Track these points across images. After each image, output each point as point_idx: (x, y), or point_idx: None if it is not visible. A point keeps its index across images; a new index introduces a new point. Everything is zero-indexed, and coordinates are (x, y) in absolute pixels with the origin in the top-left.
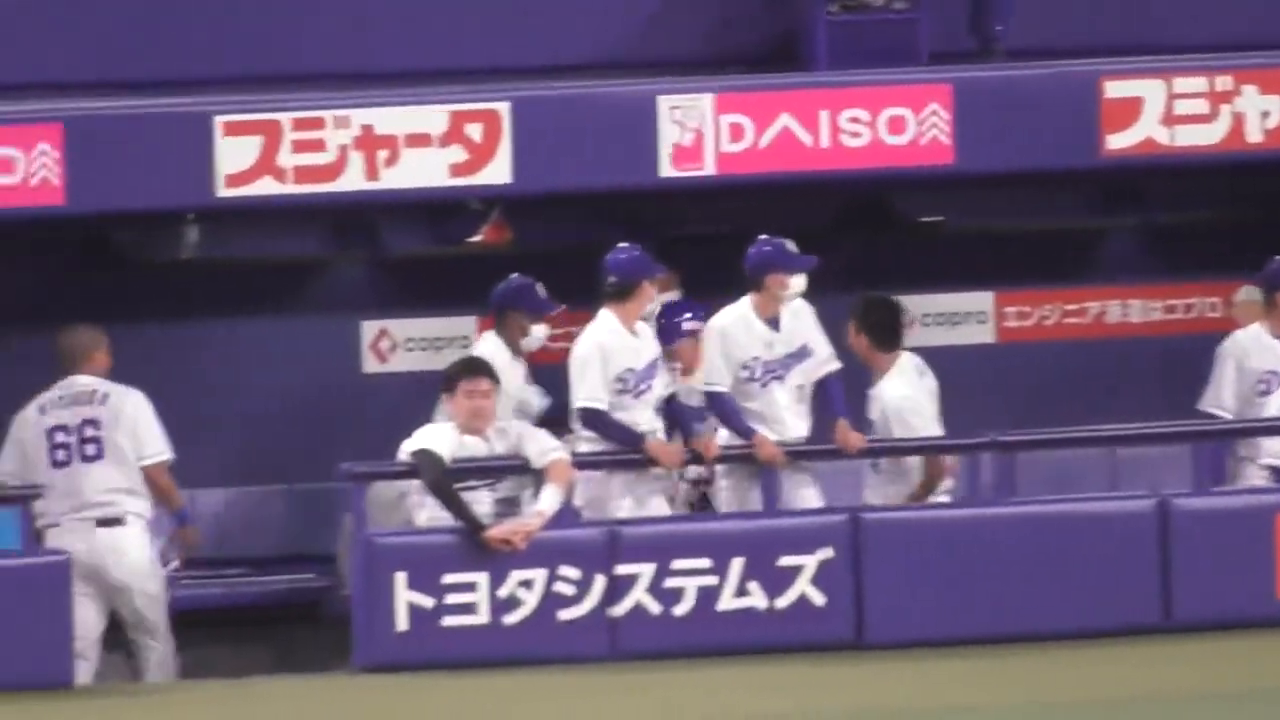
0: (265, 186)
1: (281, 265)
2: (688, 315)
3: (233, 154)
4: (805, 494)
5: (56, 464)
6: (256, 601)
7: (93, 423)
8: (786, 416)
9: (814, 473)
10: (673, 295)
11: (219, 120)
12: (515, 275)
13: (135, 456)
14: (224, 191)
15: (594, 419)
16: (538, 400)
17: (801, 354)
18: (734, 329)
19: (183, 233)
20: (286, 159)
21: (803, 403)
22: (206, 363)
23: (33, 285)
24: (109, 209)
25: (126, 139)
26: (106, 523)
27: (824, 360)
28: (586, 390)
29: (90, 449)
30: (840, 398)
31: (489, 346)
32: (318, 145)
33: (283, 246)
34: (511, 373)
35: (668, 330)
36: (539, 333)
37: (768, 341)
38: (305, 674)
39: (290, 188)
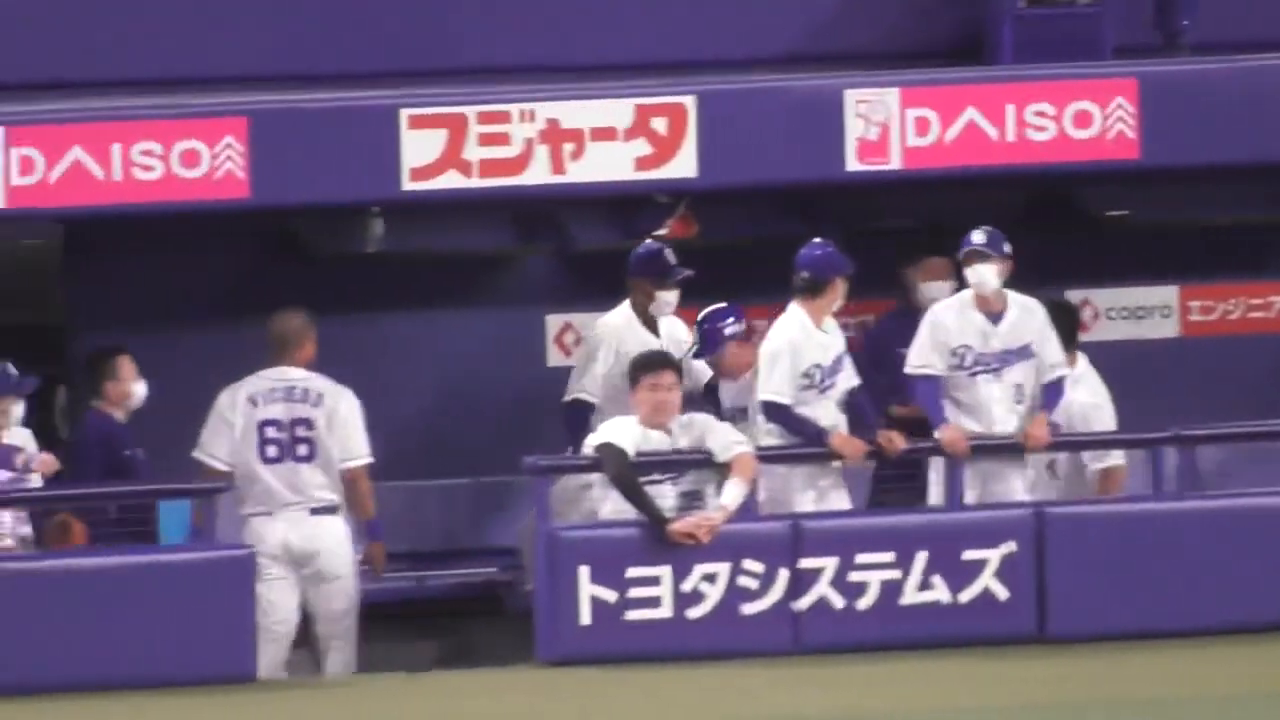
0: (450, 180)
1: (466, 259)
2: (730, 320)
3: (418, 147)
4: (1014, 485)
5: (267, 459)
6: (439, 595)
7: (306, 423)
8: (995, 411)
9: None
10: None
11: (405, 114)
12: (646, 241)
13: (339, 458)
14: (409, 185)
15: (777, 413)
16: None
17: (1023, 353)
18: (946, 317)
19: (368, 226)
20: (472, 152)
21: (1021, 401)
22: (391, 356)
23: (220, 278)
24: (293, 202)
25: (311, 132)
26: (320, 511)
27: (1052, 366)
28: (773, 385)
29: (302, 449)
30: (1054, 403)
31: (619, 315)
32: (503, 139)
33: (467, 240)
34: (641, 339)
35: (710, 337)
36: (668, 299)
37: (984, 334)
38: (487, 668)
39: (475, 181)
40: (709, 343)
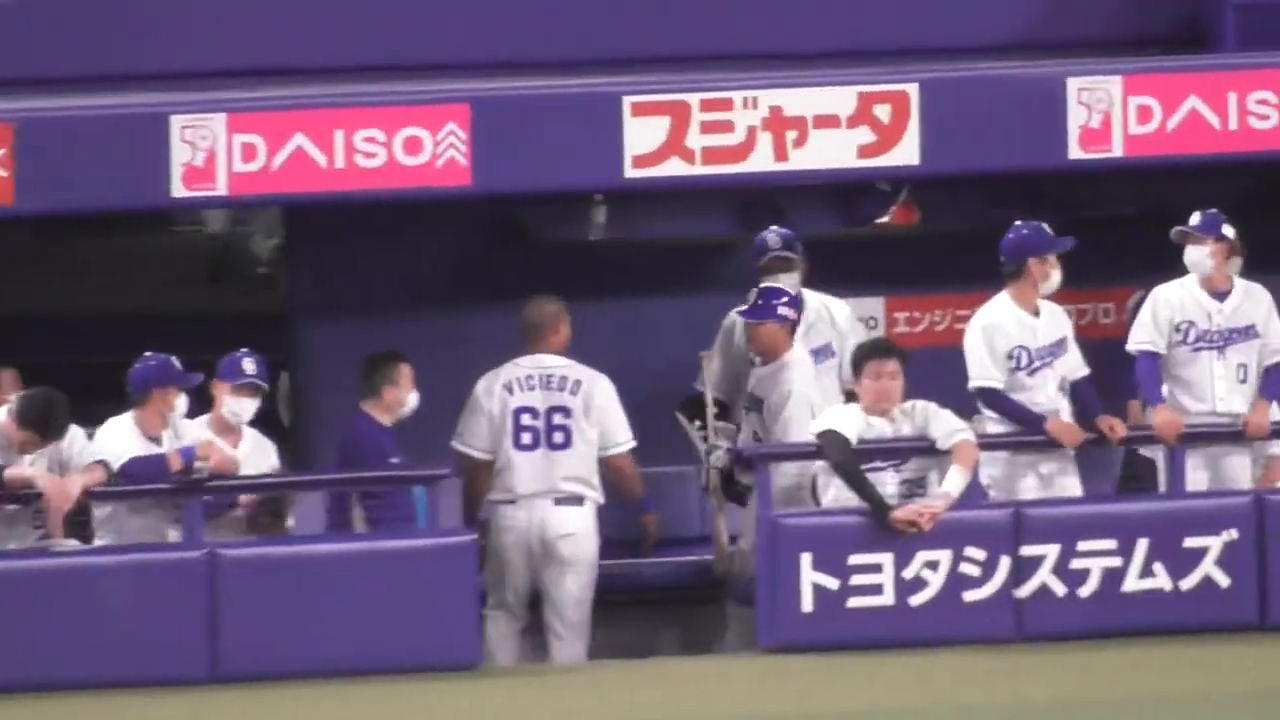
0: (673, 167)
1: (687, 246)
2: (784, 300)
3: (641, 135)
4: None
5: (521, 446)
6: (662, 582)
7: (562, 410)
8: (1218, 387)
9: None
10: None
11: (628, 101)
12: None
13: (600, 446)
14: (632, 172)
15: (990, 398)
16: None
17: (1248, 333)
18: (1170, 294)
19: (590, 213)
20: (695, 140)
21: (1244, 380)
22: (617, 341)
23: (441, 265)
24: (515, 189)
25: (534, 119)
26: (565, 501)
27: (1275, 350)
28: (976, 369)
29: (558, 436)
30: (1276, 388)
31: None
32: (726, 126)
33: (688, 227)
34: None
35: (761, 309)
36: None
37: (1208, 311)
38: (711, 654)
39: (698, 169)
40: (759, 309)
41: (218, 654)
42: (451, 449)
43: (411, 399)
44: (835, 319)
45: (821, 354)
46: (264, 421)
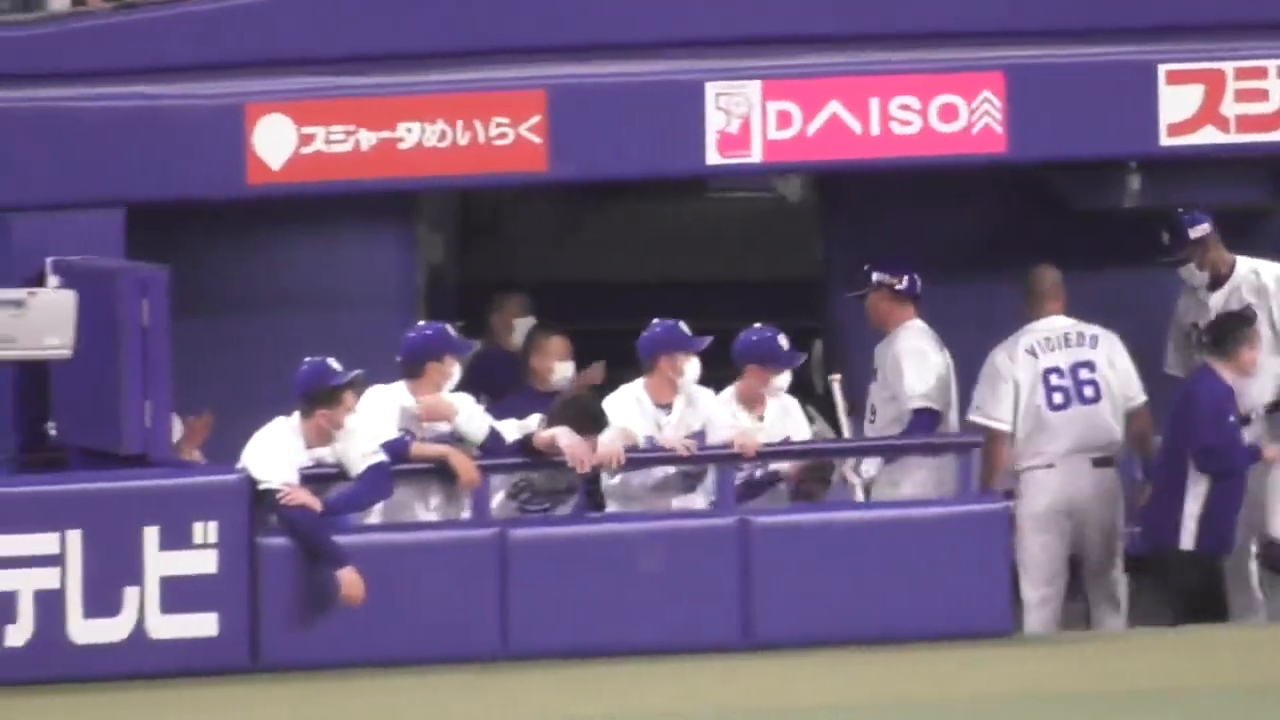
0: (1207, 135)
1: (1220, 214)
2: (885, 270)
3: (1175, 103)
4: None
5: (1054, 407)
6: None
7: (1087, 365)
8: None
9: None
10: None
11: (1162, 69)
12: None
13: (1123, 398)
14: (1167, 140)
15: None
16: None
17: None
18: None
19: (1125, 181)
20: (1229, 108)
21: None
22: (1127, 313)
23: (974, 231)
24: (1050, 156)
25: (1068, 87)
26: (1101, 463)
27: None
28: None
29: (1088, 391)
30: None
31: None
32: (1260, 95)
33: (1222, 195)
34: None
35: (861, 280)
36: None
37: None
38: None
39: (1232, 137)
40: (858, 281)
41: (749, 621)
42: (968, 422)
43: None
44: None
45: None
46: (797, 389)
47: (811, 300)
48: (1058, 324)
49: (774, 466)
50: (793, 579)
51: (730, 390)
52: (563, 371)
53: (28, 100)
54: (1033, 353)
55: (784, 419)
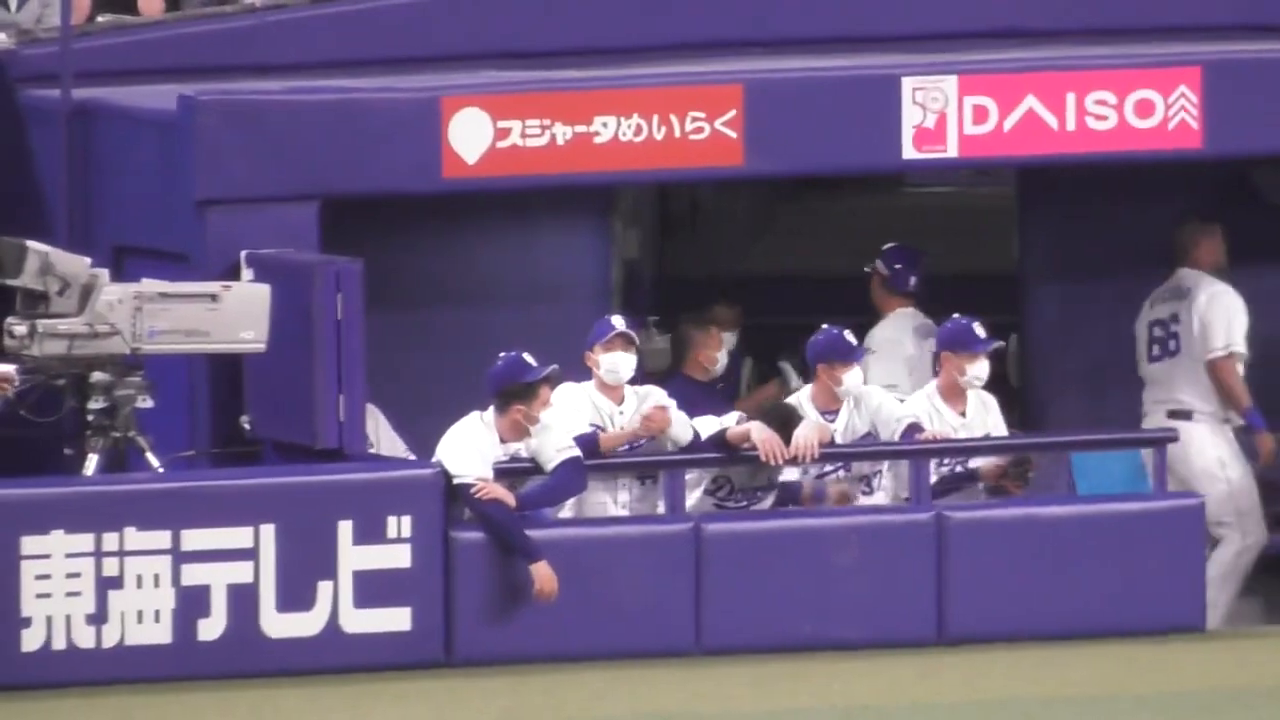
0: None
1: None
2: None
3: None
4: None
5: (1152, 358)
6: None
7: (1175, 318)
8: None
9: None
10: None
11: None
12: None
13: (1202, 349)
14: None
15: None
16: None
17: None
18: None
19: None
20: None
21: None
22: None
23: (1171, 225)
24: (1247, 151)
25: (1268, 81)
26: (1176, 415)
27: None
28: None
29: (1172, 344)
30: None
31: None
32: None
33: None
34: None
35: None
36: None
37: None
38: None
39: None
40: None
41: (943, 616)
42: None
43: None
44: None
45: None
46: (995, 383)
47: (1007, 295)
48: (1178, 275)
49: (973, 463)
50: (986, 574)
51: (931, 385)
52: (723, 361)
53: (224, 94)
54: (1151, 304)
55: (984, 414)
